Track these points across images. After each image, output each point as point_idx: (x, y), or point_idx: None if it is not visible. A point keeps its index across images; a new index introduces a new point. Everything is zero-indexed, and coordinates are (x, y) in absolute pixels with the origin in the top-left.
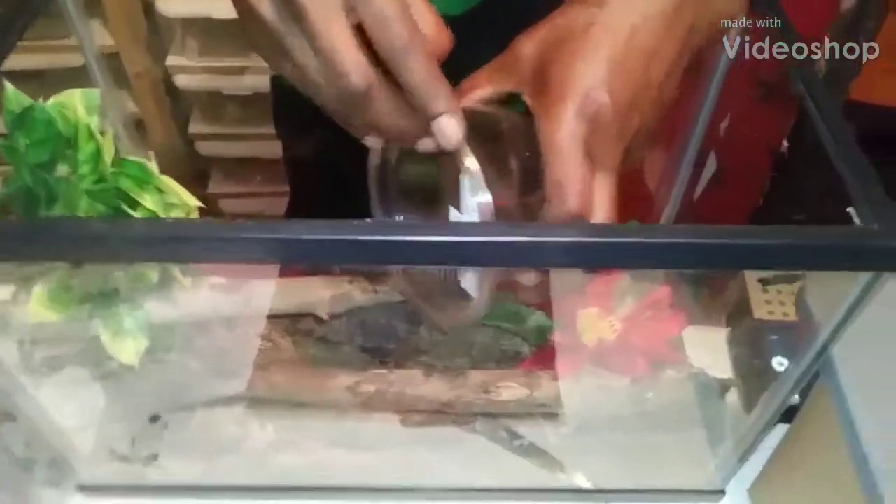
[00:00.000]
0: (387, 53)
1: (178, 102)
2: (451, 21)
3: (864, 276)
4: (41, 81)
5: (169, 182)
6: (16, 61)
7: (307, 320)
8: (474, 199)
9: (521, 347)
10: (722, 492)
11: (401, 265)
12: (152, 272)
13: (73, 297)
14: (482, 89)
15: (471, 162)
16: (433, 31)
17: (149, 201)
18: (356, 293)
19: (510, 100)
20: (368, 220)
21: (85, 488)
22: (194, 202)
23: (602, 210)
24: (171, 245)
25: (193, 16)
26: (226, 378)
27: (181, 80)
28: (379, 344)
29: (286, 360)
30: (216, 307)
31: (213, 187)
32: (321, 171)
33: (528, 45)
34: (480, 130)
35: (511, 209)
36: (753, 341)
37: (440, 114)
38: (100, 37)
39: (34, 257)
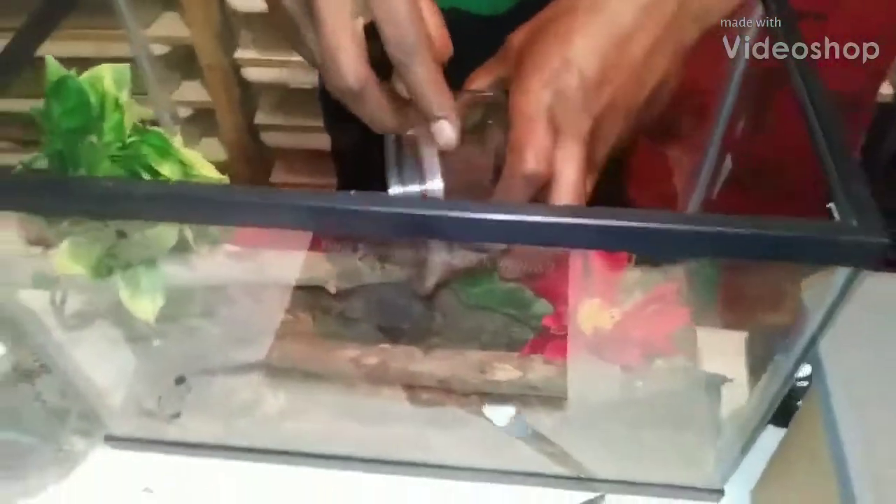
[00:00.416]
0: (394, 53)
1: (246, 94)
2: (485, 21)
3: (843, 272)
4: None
5: (192, 155)
6: (68, 48)
7: (327, 297)
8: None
9: (528, 335)
10: (721, 491)
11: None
12: (169, 234)
13: (96, 253)
14: (479, 80)
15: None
16: (437, 37)
17: (168, 170)
18: (365, 270)
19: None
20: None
21: (112, 439)
22: (217, 175)
23: (565, 176)
24: (179, 204)
25: (263, 10)
26: (247, 345)
27: (250, 73)
28: (393, 323)
29: (303, 333)
30: (229, 273)
31: (276, 177)
32: (364, 165)
33: (517, 36)
34: (471, 109)
35: (489, 184)
36: (754, 338)
37: (440, 118)
38: (177, 28)
39: (58, 212)
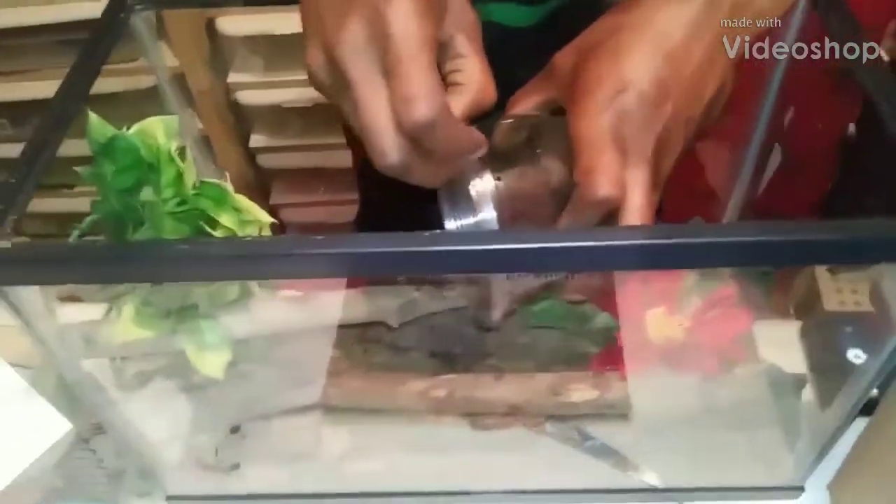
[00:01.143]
0: (412, 131)
1: (239, 118)
2: (518, 32)
3: None
4: (115, 104)
5: (243, 200)
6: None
7: (377, 328)
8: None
9: (587, 348)
10: (801, 488)
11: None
12: (231, 287)
13: (158, 314)
14: (525, 102)
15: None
16: (479, 88)
17: (226, 220)
18: (424, 300)
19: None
20: (432, 232)
21: (173, 498)
22: (267, 218)
23: (635, 199)
24: (249, 263)
25: (254, 33)
26: (300, 387)
27: (243, 97)
28: (446, 348)
29: (357, 368)
30: (289, 318)
31: (276, 198)
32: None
33: (564, 57)
34: (516, 132)
35: (547, 208)
36: (826, 334)
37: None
38: (165, 58)
39: (121, 279)
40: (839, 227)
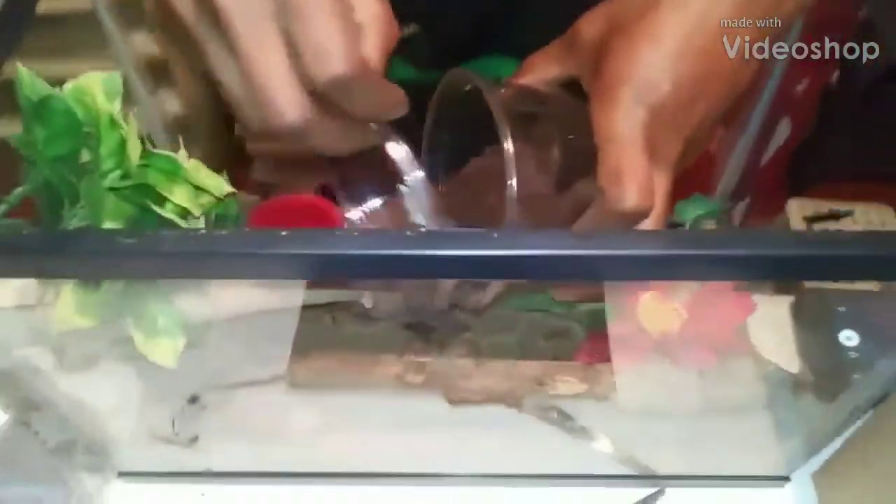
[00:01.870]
0: (326, 88)
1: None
2: None
3: None
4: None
5: (199, 169)
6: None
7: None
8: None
9: (573, 330)
10: (787, 478)
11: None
12: None
13: (101, 300)
14: (541, 71)
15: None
16: (382, 24)
17: (179, 196)
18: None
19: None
20: (411, 231)
21: (127, 474)
22: (226, 188)
23: (658, 210)
24: (204, 261)
25: None
26: (264, 359)
27: None
28: (421, 319)
29: (327, 342)
30: (252, 299)
31: (260, 175)
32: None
33: (590, 24)
34: (528, 112)
35: (549, 198)
36: (817, 313)
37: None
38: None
39: (53, 274)
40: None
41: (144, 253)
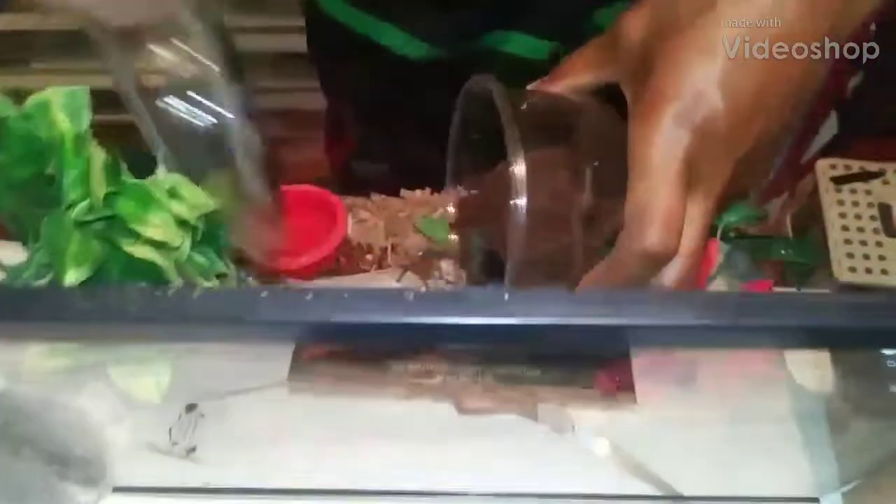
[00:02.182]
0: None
1: None
2: (530, 64)
3: None
4: None
5: (179, 185)
6: None
7: None
8: None
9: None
10: (816, 500)
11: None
12: None
13: (73, 346)
14: (576, 76)
15: None
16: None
17: (153, 226)
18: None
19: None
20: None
21: (122, 490)
22: (210, 203)
23: (686, 244)
24: (169, 327)
25: None
26: (265, 362)
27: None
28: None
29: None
30: None
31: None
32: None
33: (634, 23)
34: (559, 125)
35: (565, 225)
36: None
37: None
38: None
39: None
40: None
41: (103, 318)
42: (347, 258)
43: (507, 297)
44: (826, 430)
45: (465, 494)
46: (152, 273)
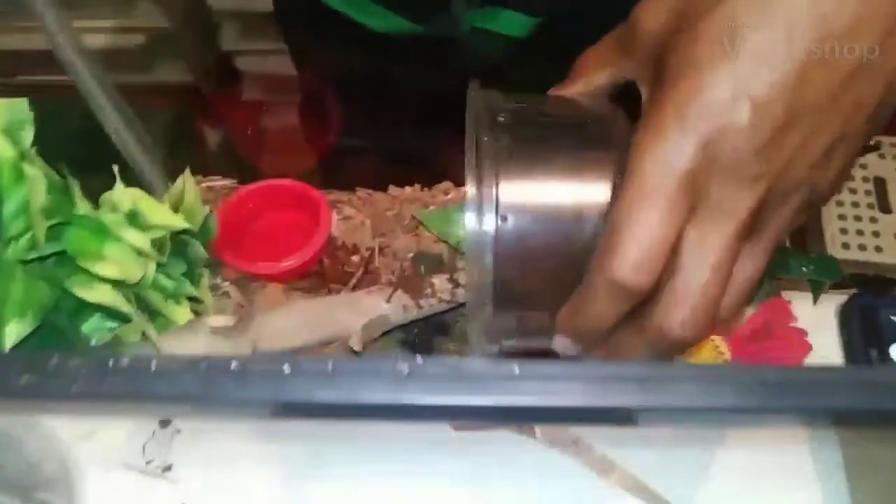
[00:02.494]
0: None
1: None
2: (513, 42)
3: None
4: None
5: (143, 207)
6: None
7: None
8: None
9: None
10: None
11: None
12: (131, 334)
13: None
14: (596, 73)
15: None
16: None
17: (108, 264)
18: (394, 315)
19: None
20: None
21: None
22: (178, 223)
23: (688, 278)
24: (121, 403)
25: None
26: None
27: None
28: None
29: None
30: (217, 352)
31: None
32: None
33: (650, 13)
34: (570, 132)
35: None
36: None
37: None
38: None
39: None
40: None
41: (44, 395)
42: (332, 259)
43: (517, 370)
44: (840, 456)
45: None
46: (108, 314)
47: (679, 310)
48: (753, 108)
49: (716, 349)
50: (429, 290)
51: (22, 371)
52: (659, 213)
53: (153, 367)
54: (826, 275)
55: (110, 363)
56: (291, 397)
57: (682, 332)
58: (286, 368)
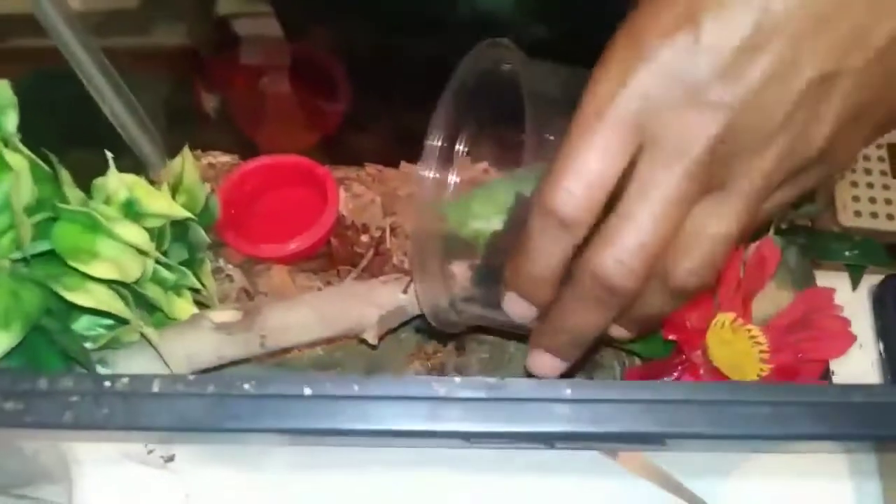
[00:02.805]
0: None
1: None
2: None
3: None
4: None
5: (141, 194)
6: None
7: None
8: None
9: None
10: None
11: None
12: (129, 334)
13: None
14: None
15: None
16: None
17: (101, 263)
18: (411, 306)
19: None
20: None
21: None
22: (179, 212)
23: (611, 235)
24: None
25: None
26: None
27: None
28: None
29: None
30: (223, 351)
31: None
32: None
33: None
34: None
35: None
36: None
37: None
38: None
39: None
40: None
41: (32, 424)
42: (340, 240)
43: (569, 392)
44: (874, 456)
45: None
46: (104, 317)
47: (609, 249)
48: (713, 24)
49: (752, 339)
50: (451, 281)
51: (6, 396)
52: (602, 142)
53: (154, 387)
54: (870, 259)
55: (106, 385)
56: (311, 424)
57: (613, 275)
58: (307, 391)
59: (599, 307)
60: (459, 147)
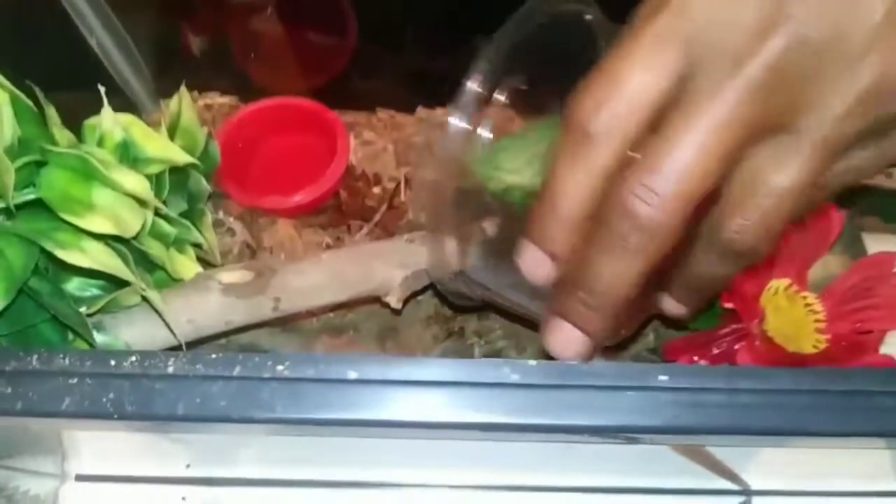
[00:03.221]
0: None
1: None
2: None
3: None
4: None
5: (138, 136)
6: None
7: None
8: None
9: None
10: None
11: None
12: (129, 297)
13: None
14: None
15: None
16: None
17: (96, 216)
18: None
19: None
20: None
21: (86, 478)
22: (182, 157)
23: (648, 163)
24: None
25: None
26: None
27: None
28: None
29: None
30: (232, 315)
31: None
32: None
33: None
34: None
35: None
36: None
37: None
38: None
39: None
40: None
41: (26, 411)
42: (350, 191)
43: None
44: None
45: (476, 487)
46: (99, 277)
47: (639, 174)
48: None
49: (808, 307)
50: (481, 236)
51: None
52: (643, 53)
53: (169, 369)
54: None
55: (112, 363)
56: (347, 415)
57: (641, 206)
58: (353, 375)
59: (627, 253)
60: (499, 97)
